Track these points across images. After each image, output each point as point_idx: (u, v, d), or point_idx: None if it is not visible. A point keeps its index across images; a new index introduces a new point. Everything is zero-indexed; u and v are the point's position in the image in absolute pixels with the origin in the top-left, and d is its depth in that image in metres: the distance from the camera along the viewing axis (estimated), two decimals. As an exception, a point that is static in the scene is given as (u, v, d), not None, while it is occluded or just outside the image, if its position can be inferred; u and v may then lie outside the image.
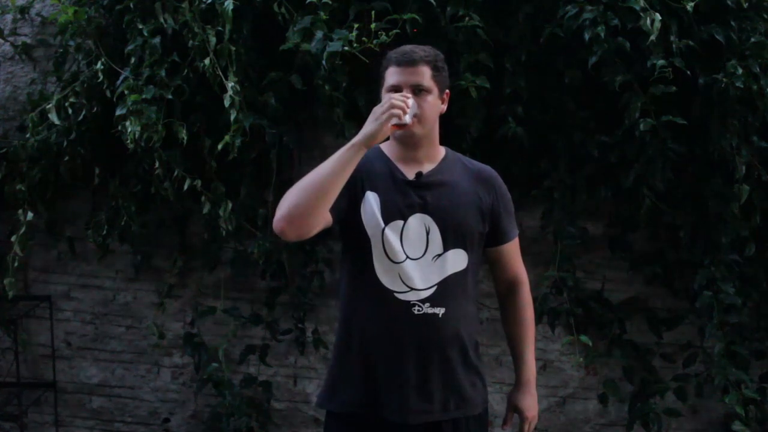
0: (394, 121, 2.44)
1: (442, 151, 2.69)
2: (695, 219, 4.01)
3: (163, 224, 4.28)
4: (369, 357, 2.57)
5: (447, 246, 2.57)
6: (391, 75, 2.56)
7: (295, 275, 4.20)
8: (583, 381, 4.23)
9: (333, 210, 2.48)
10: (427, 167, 2.62)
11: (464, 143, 3.86)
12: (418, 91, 2.53)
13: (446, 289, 2.56)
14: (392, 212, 2.55)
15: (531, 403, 2.76)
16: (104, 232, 4.20)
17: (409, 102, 2.47)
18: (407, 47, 2.60)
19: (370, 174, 2.58)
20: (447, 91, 2.64)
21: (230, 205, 3.95)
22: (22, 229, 4.10)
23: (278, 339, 4.23)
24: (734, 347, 3.90)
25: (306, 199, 2.41)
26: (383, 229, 2.53)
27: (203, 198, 3.97)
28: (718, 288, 3.89)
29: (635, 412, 4.07)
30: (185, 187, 3.93)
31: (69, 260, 4.41)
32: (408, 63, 2.54)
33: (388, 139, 2.59)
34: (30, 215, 4.11)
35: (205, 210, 3.97)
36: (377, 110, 2.45)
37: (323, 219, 2.47)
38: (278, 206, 2.45)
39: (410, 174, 2.59)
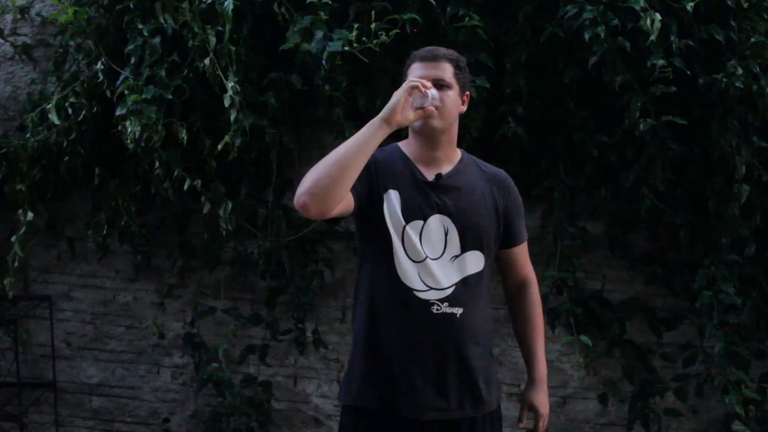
0: (417, 102, 2.46)
1: (459, 153, 2.70)
2: (695, 219, 4.01)
3: (163, 224, 4.28)
4: (387, 354, 2.59)
5: (465, 247, 2.60)
6: (414, 70, 2.60)
7: (295, 275, 4.20)
8: (583, 381, 4.23)
9: (354, 192, 2.50)
10: (445, 168, 2.64)
11: (464, 143, 3.86)
12: (439, 86, 2.55)
13: (464, 290, 2.59)
14: (413, 211, 2.58)
15: (544, 401, 2.81)
16: (104, 232, 4.20)
17: (431, 91, 2.50)
18: (431, 47, 2.66)
19: (392, 173, 2.61)
20: (468, 93, 2.66)
21: (230, 205, 3.95)
22: (22, 229, 4.10)
23: (278, 339, 4.23)
24: (734, 347, 3.89)
25: (328, 175, 2.42)
26: (404, 227, 2.56)
27: (203, 198, 3.97)
28: (718, 288, 3.89)
29: (635, 412, 4.07)
30: (185, 187, 3.93)
31: (69, 260, 4.41)
32: (431, 59, 2.59)
33: (406, 135, 2.64)
34: (30, 215, 4.11)
35: (205, 210, 3.97)
36: (398, 90, 2.49)
37: (344, 197, 2.47)
38: (301, 182, 2.46)
39: (429, 175, 2.61)
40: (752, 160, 3.88)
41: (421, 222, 2.58)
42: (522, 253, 2.79)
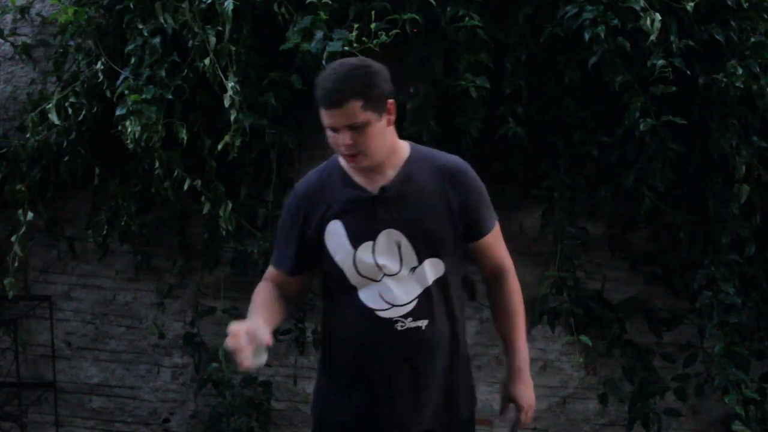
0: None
1: (404, 152, 2.54)
2: (695, 219, 4.00)
3: (163, 224, 4.27)
4: (357, 376, 2.53)
5: (421, 257, 2.49)
6: (324, 116, 2.41)
7: (295, 275, 4.19)
8: (583, 381, 4.23)
9: (298, 275, 2.59)
10: (390, 174, 2.49)
11: (464, 143, 3.86)
12: (354, 128, 2.38)
13: (427, 300, 2.50)
14: (360, 234, 2.46)
15: (525, 391, 2.68)
16: (104, 232, 4.20)
17: (256, 340, 2.35)
18: (330, 80, 2.39)
19: (330, 201, 2.49)
20: (390, 101, 2.44)
21: (230, 205, 3.95)
22: (22, 229, 4.10)
23: (278, 339, 4.22)
24: (734, 347, 3.89)
25: None
26: (354, 254, 2.47)
27: (203, 198, 3.97)
28: (718, 288, 3.88)
29: (635, 412, 4.07)
30: (185, 187, 3.93)
31: (69, 260, 4.40)
32: (334, 104, 2.37)
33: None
34: (30, 215, 4.11)
35: (205, 210, 3.97)
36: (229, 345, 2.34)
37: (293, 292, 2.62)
38: None
39: (372, 186, 2.48)
40: (752, 160, 3.88)
41: (371, 242, 2.47)
42: (492, 241, 2.64)
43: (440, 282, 2.53)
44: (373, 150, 2.43)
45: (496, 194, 4.06)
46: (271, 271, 2.68)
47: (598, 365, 4.19)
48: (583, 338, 3.98)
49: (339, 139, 2.42)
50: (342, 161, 2.53)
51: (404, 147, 2.56)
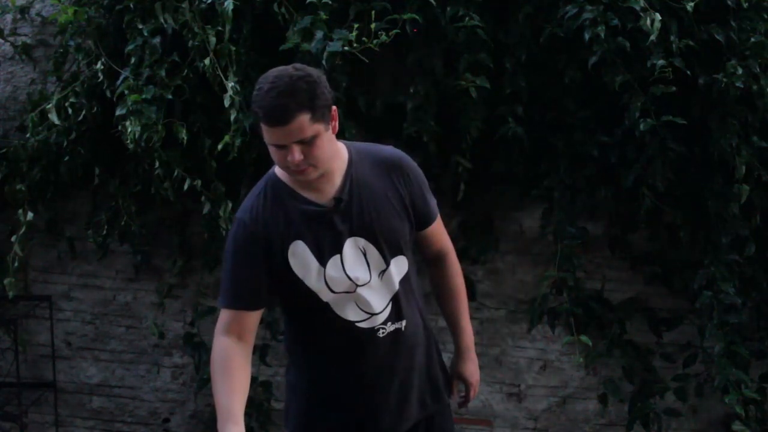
0: None
1: (345, 154, 2.48)
2: (695, 219, 4.00)
3: (163, 224, 4.28)
4: (350, 389, 2.53)
5: (387, 259, 2.47)
6: (269, 134, 2.29)
7: (295, 275, 4.19)
8: (583, 381, 4.23)
9: (263, 307, 2.51)
10: (337, 181, 2.44)
11: (464, 143, 3.87)
12: (303, 142, 2.29)
13: (399, 301, 2.51)
14: (325, 250, 2.42)
15: (473, 369, 2.77)
16: (104, 232, 4.20)
17: None
18: (272, 95, 2.26)
19: (285, 223, 2.42)
20: (333, 108, 2.36)
21: (230, 205, 3.95)
22: (22, 229, 4.10)
23: (278, 339, 4.22)
24: (734, 347, 3.89)
25: None
26: (324, 272, 2.42)
27: (203, 198, 3.97)
28: (718, 288, 3.88)
29: (635, 412, 4.07)
30: (185, 187, 3.93)
31: (69, 260, 4.41)
32: (280, 122, 2.25)
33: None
34: (30, 215, 4.11)
35: (205, 210, 3.97)
36: None
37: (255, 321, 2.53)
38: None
39: (323, 197, 2.43)
40: (752, 160, 3.87)
41: (338, 255, 2.42)
42: (437, 227, 2.65)
43: (405, 279, 2.53)
44: (324, 161, 2.35)
45: (496, 194, 4.13)
46: (228, 318, 2.55)
47: (598, 365, 4.19)
48: (583, 338, 3.97)
49: (287, 156, 2.31)
50: (283, 177, 2.45)
51: (343, 149, 2.50)
